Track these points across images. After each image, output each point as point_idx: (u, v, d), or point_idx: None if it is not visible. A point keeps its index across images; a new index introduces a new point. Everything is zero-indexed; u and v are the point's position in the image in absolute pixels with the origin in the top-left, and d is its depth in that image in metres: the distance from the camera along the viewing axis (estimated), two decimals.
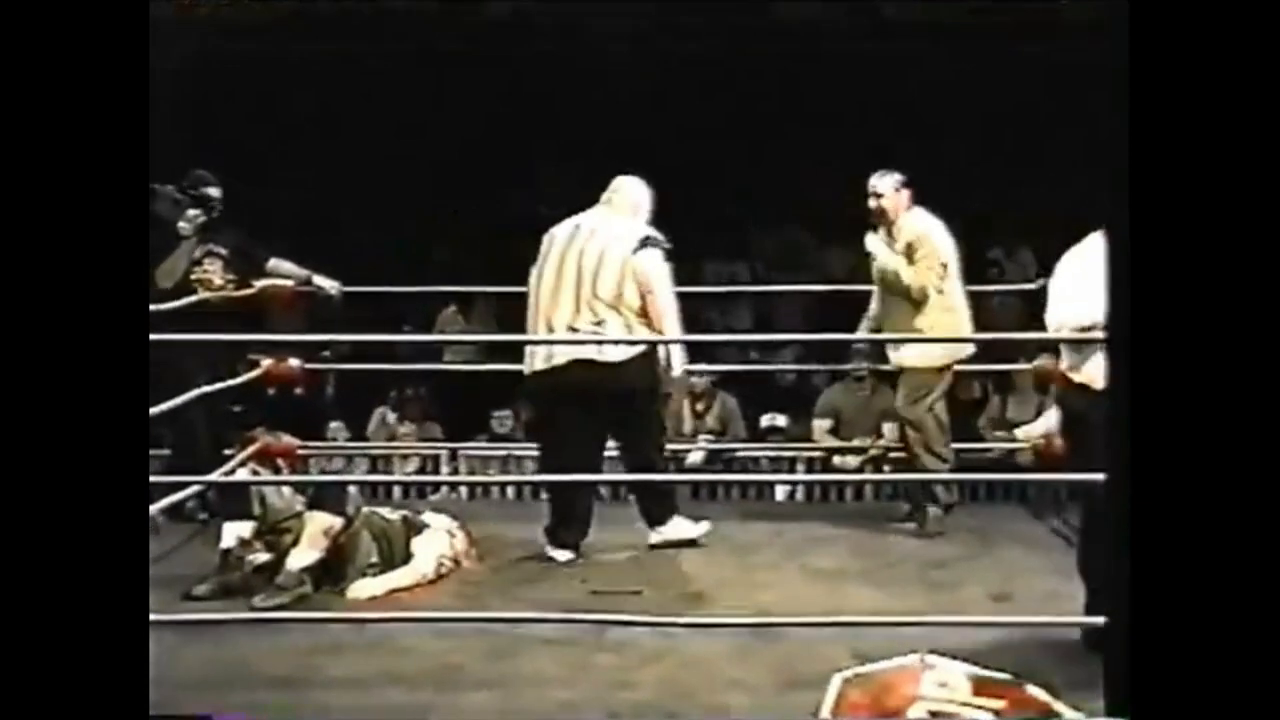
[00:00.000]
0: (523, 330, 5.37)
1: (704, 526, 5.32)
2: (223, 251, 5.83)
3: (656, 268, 5.13)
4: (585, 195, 5.36)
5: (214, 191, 5.85)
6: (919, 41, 9.72)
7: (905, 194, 5.59)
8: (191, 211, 5.76)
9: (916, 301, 5.50)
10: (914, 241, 5.50)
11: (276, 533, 4.65)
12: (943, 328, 5.49)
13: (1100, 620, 1.90)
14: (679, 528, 5.27)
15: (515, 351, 8.51)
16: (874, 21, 9.95)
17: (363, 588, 4.62)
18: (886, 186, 5.58)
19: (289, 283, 6.00)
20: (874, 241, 5.62)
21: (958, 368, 5.80)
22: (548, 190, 10.37)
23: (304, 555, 4.56)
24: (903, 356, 5.66)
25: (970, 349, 5.78)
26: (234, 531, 4.66)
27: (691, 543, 5.24)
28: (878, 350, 6.34)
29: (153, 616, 4.13)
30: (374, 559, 4.72)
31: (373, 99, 10.46)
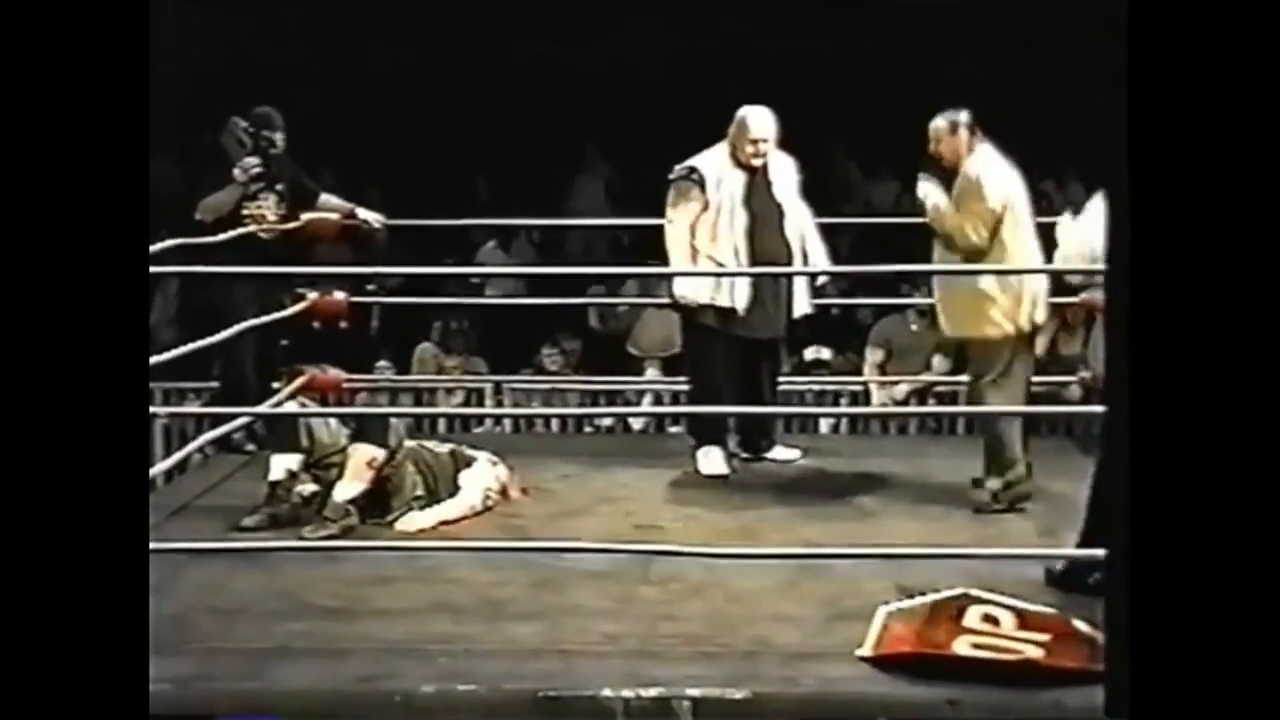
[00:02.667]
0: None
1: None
2: (279, 187, 5.82)
3: (669, 203, 5.39)
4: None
5: (278, 136, 5.81)
6: None
7: (965, 135, 4.88)
8: (250, 160, 5.71)
9: (965, 254, 4.80)
10: (963, 187, 4.85)
11: (323, 465, 4.69)
12: (994, 290, 4.74)
13: (1100, 552, 1.90)
14: (701, 458, 5.38)
15: (557, 285, 8.58)
16: None
17: (412, 520, 4.66)
18: (942, 128, 4.91)
19: (334, 216, 6.01)
20: (925, 185, 4.97)
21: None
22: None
23: (349, 487, 4.59)
24: (957, 325, 4.92)
25: (1042, 313, 4.90)
26: (282, 464, 4.70)
27: (724, 478, 5.33)
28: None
29: (203, 545, 4.22)
30: (419, 491, 4.75)
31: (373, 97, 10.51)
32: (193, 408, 6.57)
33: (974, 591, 3.52)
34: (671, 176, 5.42)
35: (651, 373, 8.31)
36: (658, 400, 7.84)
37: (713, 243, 5.31)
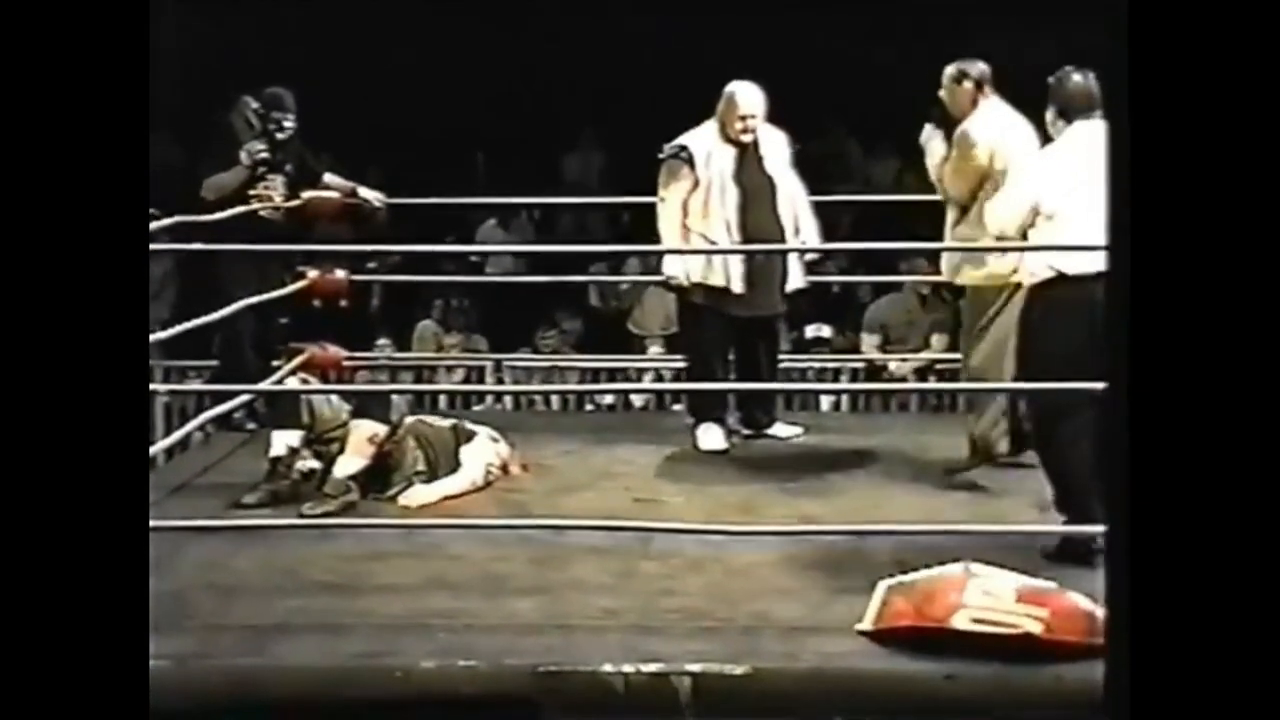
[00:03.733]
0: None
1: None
2: (288, 168, 5.80)
3: (660, 183, 5.37)
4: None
5: (289, 119, 5.78)
6: None
7: (969, 88, 4.82)
8: (255, 145, 5.69)
9: (959, 207, 4.81)
10: (955, 139, 4.79)
11: (325, 441, 4.69)
12: (981, 239, 4.62)
13: (1100, 529, 1.90)
14: (700, 435, 5.38)
15: (557, 264, 8.59)
16: None
17: (416, 495, 4.66)
18: (949, 75, 4.87)
19: (334, 195, 6.00)
20: (928, 131, 4.94)
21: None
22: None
23: (349, 463, 4.60)
24: (952, 270, 4.94)
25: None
26: (283, 440, 4.70)
27: (724, 452, 5.33)
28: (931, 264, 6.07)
29: (203, 523, 4.22)
30: (421, 466, 4.75)
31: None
32: (193, 385, 6.58)
33: (974, 566, 3.52)
34: (661, 155, 5.39)
35: (654, 351, 8.31)
36: (659, 378, 7.84)
37: (704, 220, 5.28)
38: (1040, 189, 4.04)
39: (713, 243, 5.28)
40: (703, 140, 5.35)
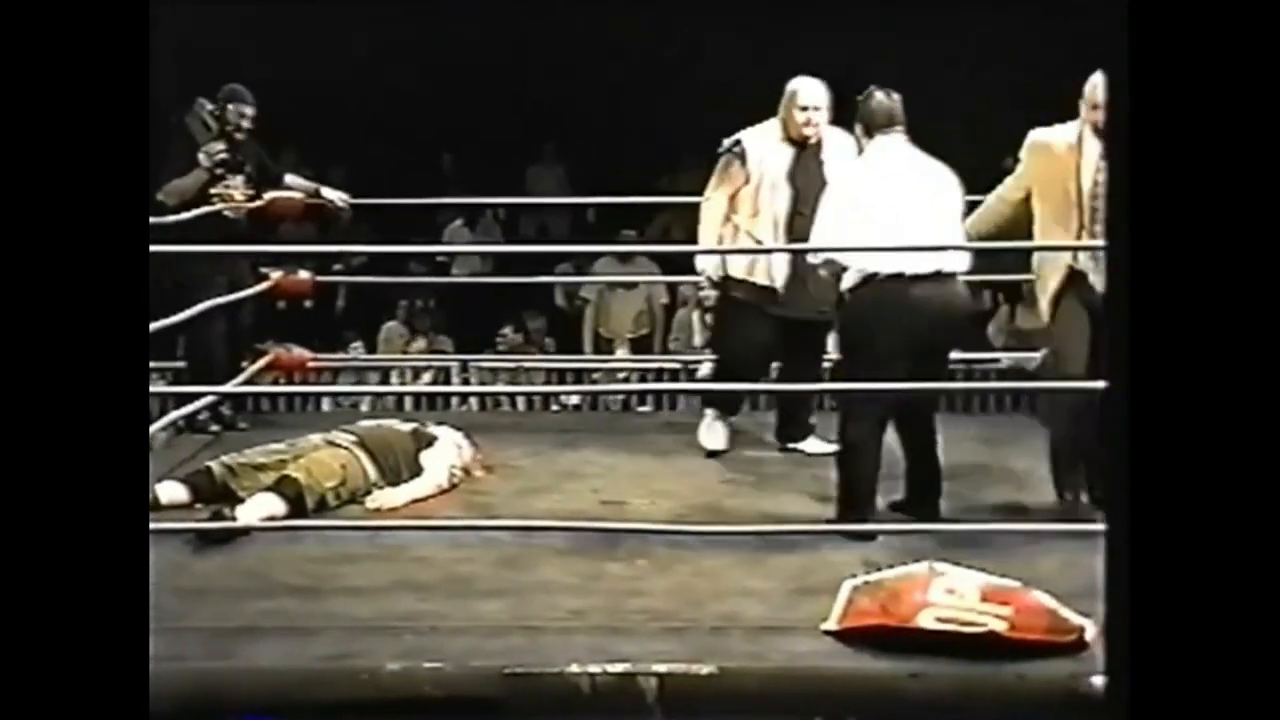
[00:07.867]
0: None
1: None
2: (247, 168, 5.77)
3: (713, 178, 5.32)
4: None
5: (248, 111, 5.74)
6: None
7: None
8: (215, 146, 5.66)
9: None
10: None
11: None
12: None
13: (1100, 527, 1.92)
14: (704, 430, 5.36)
15: (522, 265, 8.60)
16: None
17: (384, 498, 4.64)
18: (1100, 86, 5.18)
19: (299, 195, 5.99)
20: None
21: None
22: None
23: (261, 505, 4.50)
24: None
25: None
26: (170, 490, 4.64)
27: (722, 453, 5.32)
28: None
29: (169, 526, 4.20)
30: (375, 477, 4.70)
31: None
32: (159, 387, 6.54)
33: (938, 565, 3.54)
34: (719, 150, 5.29)
35: (621, 354, 8.32)
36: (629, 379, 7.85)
37: (753, 218, 5.17)
38: (853, 204, 4.33)
39: (759, 241, 5.17)
40: (760, 137, 5.23)
